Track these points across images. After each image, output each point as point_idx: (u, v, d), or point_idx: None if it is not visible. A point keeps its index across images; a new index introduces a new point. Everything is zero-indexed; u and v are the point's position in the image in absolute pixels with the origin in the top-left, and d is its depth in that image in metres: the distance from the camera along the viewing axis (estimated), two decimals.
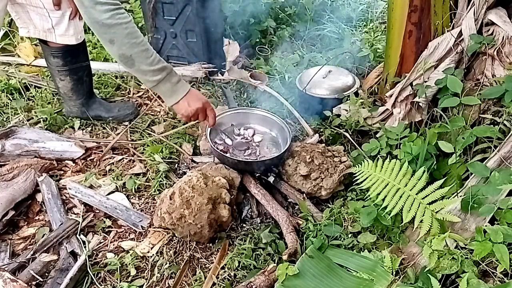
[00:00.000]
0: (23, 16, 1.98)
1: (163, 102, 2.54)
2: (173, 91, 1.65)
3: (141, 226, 1.77)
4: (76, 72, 2.18)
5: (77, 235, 1.71)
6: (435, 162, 1.67)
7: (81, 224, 1.74)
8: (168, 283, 1.59)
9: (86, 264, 1.58)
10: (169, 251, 1.69)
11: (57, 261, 1.60)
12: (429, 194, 1.45)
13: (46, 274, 1.56)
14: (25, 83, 2.56)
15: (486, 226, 1.33)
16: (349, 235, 1.66)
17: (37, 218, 1.83)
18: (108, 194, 1.93)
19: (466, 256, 1.30)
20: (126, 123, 2.36)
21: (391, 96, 2.08)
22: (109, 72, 2.72)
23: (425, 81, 1.94)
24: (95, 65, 2.59)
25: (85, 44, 2.20)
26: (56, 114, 2.35)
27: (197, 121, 1.82)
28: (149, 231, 1.76)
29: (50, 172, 2.00)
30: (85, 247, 1.65)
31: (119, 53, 1.51)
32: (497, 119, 1.67)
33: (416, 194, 1.47)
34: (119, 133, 2.25)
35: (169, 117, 2.41)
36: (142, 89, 2.66)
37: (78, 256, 1.63)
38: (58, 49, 2.08)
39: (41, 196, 1.86)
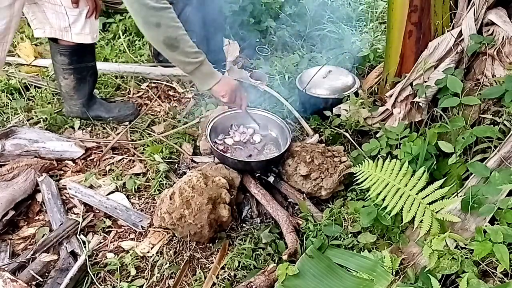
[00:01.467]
0: (39, 16, 1.98)
1: (163, 102, 2.54)
2: (212, 72, 1.74)
3: (141, 226, 1.77)
4: (80, 71, 2.18)
5: (77, 235, 1.71)
6: (435, 162, 1.67)
7: (81, 224, 1.74)
8: (168, 283, 1.59)
9: (86, 264, 1.58)
10: (169, 251, 1.69)
11: (57, 261, 1.60)
12: (429, 194, 1.46)
13: (46, 274, 1.56)
14: (25, 83, 2.55)
15: (486, 226, 1.33)
16: (349, 235, 1.66)
17: (37, 218, 1.83)
18: (108, 194, 1.93)
19: (466, 256, 1.30)
20: (126, 123, 2.36)
21: (391, 96, 2.08)
22: (109, 72, 2.72)
23: (425, 81, 1.94)
24: None
25: (94, 45, 2.20)
26: (56, 114, 2.35)
27: (234, 103, 1.90)
28: (149, 231, 1.76)
29: (50, 172, 2.00)
30: (85, 247, 1.65)
31: (164, 36, 1.57)
32: (497, 119, 1.67)
33: (416, 194, 1.47)
34: (119, 133, 2.25)
35: (169, 117, 2.41)
36: (142, 89, 2.66)
37: (78, 256, 1.63)
38: (67, 47, 2.08)
39: (41, 196, 1.86)
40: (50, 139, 2.11)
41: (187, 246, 1.71)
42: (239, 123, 2.15)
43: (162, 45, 1.61)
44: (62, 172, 2.05)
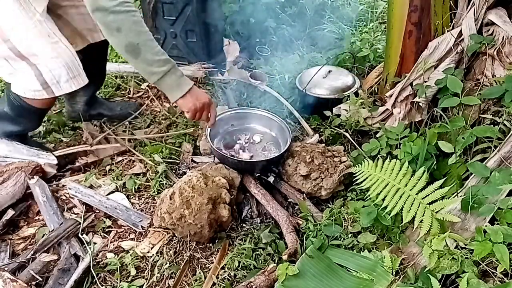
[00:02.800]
0: None
1: (163, 102, 2.54)
2: (178, 84, 1.61)
3: (141, 226, 1.77)
4: (89, 69, 2.17)
5: (81, 235, 1.71)
6: (435, 162, 1.67)
7: (82, 224, 1.74)
8: (168, 283, 1.59)
9: (90, 266, 1.58)
10: (169, 251, 1.69)
11: (57, 261, 1.60)
12: (429, 194, 1.46)
13: (46, 274, 1.56)
14: None
15: (486, 226, 1.33)
16: (349, 235, 1.66)
17: (37, 218, 1.83)
18: (108, 194, 1.93)
19: (466, 256, 1.30)
20: (126, 122, 2.36)
21: (391, 96, 2.08)
22: (109, 72, 2.72)
23: (425, 81, 1.94)
24: None
25: (107, 44, 2.13)
26: (56, 114, 2.35)
27: (200, 120, 1.78)
28: (149, 231, 1.76)
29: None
30: (90, 247, 1.66)
31: (126, 41, 1.49)
32: (497, 119, 1.68)
33: (416, 194, 1.47)
34: (118, 133, 2.25)
35: (169, 117, 2.41)
36: (142, 89, 2.66)
37: (80, 257, 1.63)
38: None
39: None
40: (21, 152, 1.96)
41: (187, 246, 1.71)
42: (239, 123, 2.15)
43: (124, 52, 1.52)
44: (61, 173, 2.04)
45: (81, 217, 1.77)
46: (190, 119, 1.76)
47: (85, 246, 1.69)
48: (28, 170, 1.89)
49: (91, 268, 1.57)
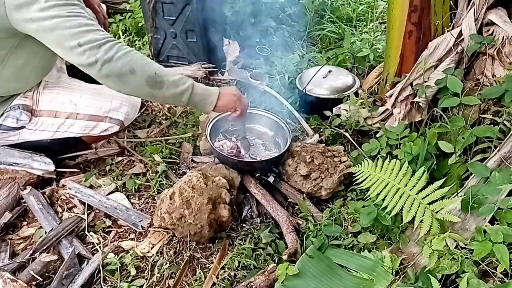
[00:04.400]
0: None
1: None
2: (207, 88, 1.54)
3: (141, 226, 1.77)
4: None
5: (87, 233, 1.72)
6: (435, 162, 1.67)
7: (87, 222, 1.75)
8: (168, 283, 1.59)
9: (99, 268, 1.59)
10: (169, 251, 1.69)
11: (58, 261, 1.60)
12: (429, 194, 1.46)
13: (46, 275, 1.56)
14: None
15: (486, 226, 1.33)
16: (349, 235, 1.66)
17: (36, 218, 1.83)
18: (108, 194, 1.93)
19: (466, 256, 1.30)
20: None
21: (391, 96, 2.08)
22: None
23: (425, 81, 1.94)
24: None
25: None
26: None
27: (238, 110, 1.72)
28: (149, 231, 1.76)
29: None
30: (99, 247, 1.67)
31: (145, 77, 1.39)
32: (497, 119, 1.67)
33: (416, 194, 1.47)
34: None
35: (169, 117, 2.41)
36: None
37: (83, 257, 1.63)
38: None
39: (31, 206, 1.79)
40: (11, 155, 1.87)
41: (187, 246, 1.71)
42: (239, 123, 2.15)
43: (148, 88, 1.41)
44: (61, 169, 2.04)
45: (86, 216, 1.78)
46: (242, 113, 1.78)
47: (86, 246, 1.70)
48: (21, 182, 1.84)
49: (100, 268, 1.58)
